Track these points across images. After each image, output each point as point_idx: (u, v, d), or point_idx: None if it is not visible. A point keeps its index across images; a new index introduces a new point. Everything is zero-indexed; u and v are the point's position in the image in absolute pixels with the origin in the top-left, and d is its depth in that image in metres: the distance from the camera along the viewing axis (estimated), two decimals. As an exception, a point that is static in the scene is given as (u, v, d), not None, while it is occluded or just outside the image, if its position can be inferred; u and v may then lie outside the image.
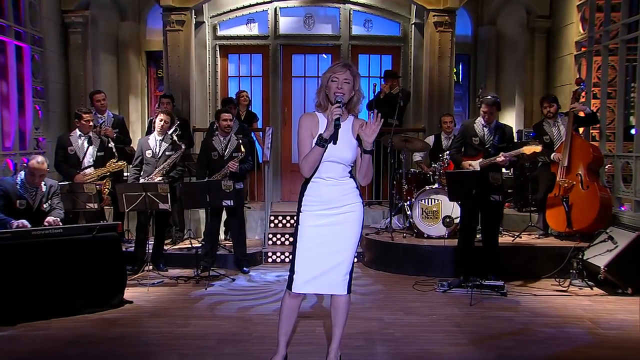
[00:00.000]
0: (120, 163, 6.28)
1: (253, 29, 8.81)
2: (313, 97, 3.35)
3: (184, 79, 8.08)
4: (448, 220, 6.25)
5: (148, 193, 5.60)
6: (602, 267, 5.37)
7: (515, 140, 6.62)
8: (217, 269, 6.10)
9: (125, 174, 6.86)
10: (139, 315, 4.75)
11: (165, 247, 6.48)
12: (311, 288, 3.24)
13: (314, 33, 8.79)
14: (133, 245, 6.29)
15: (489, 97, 5.67)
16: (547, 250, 6.11)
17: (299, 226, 3.27)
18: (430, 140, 7.42)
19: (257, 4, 8.68)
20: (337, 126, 3.06)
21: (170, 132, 6.25)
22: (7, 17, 6.62)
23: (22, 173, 5.15)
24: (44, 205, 5.17)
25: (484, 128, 5.69)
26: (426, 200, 6.53)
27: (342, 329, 3.36)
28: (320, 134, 3.11)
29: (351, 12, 8.73)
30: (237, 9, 8.71)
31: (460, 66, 9.14)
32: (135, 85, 8.82)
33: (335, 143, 3.12)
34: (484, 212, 5.58)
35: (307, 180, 3.26)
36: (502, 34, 8.88)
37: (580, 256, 5.64)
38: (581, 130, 6.61)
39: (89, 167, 6.17)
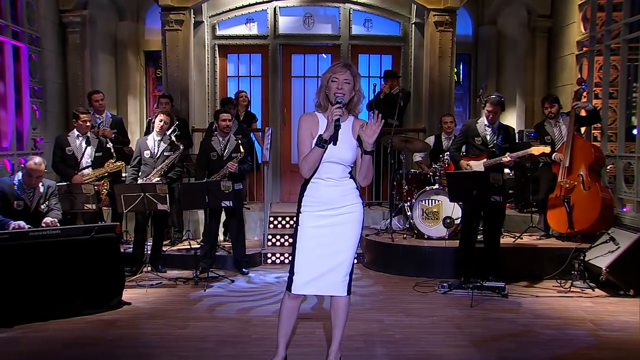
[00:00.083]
0: (119, 163, 6.26)
1: (252, 29, 8.79)
2: (313, 97, 3.33)
3: (183, 79, 8.06)
4: (448, 221, 6.23)
5: (146, 194, 5.58)
6: (603, 268, 5.35)
7: (517, 141, 6.59)
8: (216, 270, 6.08)
9: (123, 174, 6.84)
10: (137, 317, 4.73)
11: (164, 248, 6.45)
12: (311, 289, 3.24)
13: (313, 33, 8.77)
14: (131, 246, 6.26)
15: (494, 96, 5.65)
16: (548, 251, 6.08)
17: (298, 227, 3.26)
18: (431, 140, 7.40)
19: (257, 3, 8.65)
20: (337, 127, 3.05)
21: (168, 133, 6.22)
22: (5, 16, 6.59)
23: (20, 174, 5.13)
24: (42, 206, 5.15)
25: (487, 128, 5.66)
26: (426, 201, 6.50)
27: (342, 331, 3.35)
28: (320, 135, 3.09)
29: (351, 12, 8.71)
30: (236, 8, 8.69)
31: (461, 66, 9.14)
32: (133, 85, 8.80)
33: (335, 144, 3.10)
34: (485, 213, 5.55)
35: (307, 181, 3.25)
36: (502, 34, 8.87)
37: (581, 257, 5.62)
38: (583, 130, 6.58)
39: (87, 167, 6.16)
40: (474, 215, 5.59)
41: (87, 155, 6.17)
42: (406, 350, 3.97)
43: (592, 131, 7.12)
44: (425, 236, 6.47)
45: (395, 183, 7.15)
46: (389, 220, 6.86)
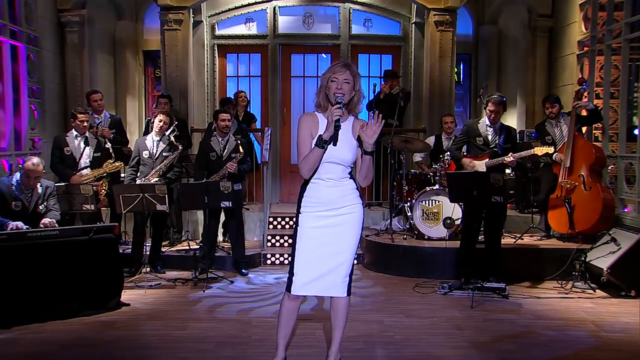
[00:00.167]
0: (117, 164, 6.23)
1: (252, 28, 8.77)
2: (312, 97, 3.32)
3: (182, 79, 8.03)
4: (449, 221, 6.21)
5: (145, 194, 5.56)
6: (605, 269, 5.33)
7: (518, 141, 6.57)
8: (215, 271, 6.06)
9: (122, 175, 6.82)
10: (136, 318, 4.71)
11: (163, 249, 6.43)
12: (311, 290, 3.23)
13: (313, 32, 8.76)
14: (130, 247, 6.24)
15: (496, 96, 5.64)
16: (549, 252, 6.06)
17: (298, 227, 3.25)
18: (431, 140, 7.38)
19: (256, 2, 8.63)
20: (337, 127, 3.03)
21: (167, 133, 6.20)
22: (2, 16, 6.57)
23: (18, 174, 5.12)
24: (40, 207, 5.15)
25: (489, 128, 5.64)
26: (427, 201, 6.48)
27: (341, 332, 3.35)
28: (320, 135, 3.08)
29: (351, 11, 8.69)
30: (236, 8, 8.68)
31: (461, 66, 9.12)
32: (132, 85, 8.77)
33: (335, 144, 3.09)
34: (486, 213, 5.53)
35: (307, 181, 3.24)
36: (503, 33, 8.86)
37: (582, 258, 5.60)
38: (584, 130, 6.56)
39: (86, 168, 6.13)
40: (475, 215, 5.57)
41: (86, 156, 6.15)
42: (406, 352, 3.96)
43: (593, 131, 7.10)
44: (426, 237, 6.45)
45: (395, 183, 7.13)
46: (389, 220, 6.84)
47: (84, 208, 5.69)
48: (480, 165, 5.59)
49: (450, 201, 5.86)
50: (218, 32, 8.74)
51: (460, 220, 6.17)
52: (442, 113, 7.60)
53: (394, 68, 8.71)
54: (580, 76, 6.98)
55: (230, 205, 5.76)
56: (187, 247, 6.74)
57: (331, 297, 3.28)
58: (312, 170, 3.17)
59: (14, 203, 5.00)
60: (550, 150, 5.73)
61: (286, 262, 6.63)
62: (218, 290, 5.62)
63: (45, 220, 4.98)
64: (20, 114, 6.90)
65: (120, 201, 5.56)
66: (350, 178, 3.25)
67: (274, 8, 8.66)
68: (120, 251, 5.64)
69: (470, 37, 8.99)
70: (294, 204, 3.49)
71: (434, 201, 6.46)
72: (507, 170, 6.51)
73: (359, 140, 3.15)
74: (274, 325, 3.40)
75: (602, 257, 5.49)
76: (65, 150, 6.13)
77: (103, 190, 6.04)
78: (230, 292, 5.55)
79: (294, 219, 3.31)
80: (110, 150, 6.29)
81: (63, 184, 5.83)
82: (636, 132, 6.78)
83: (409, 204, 6.69)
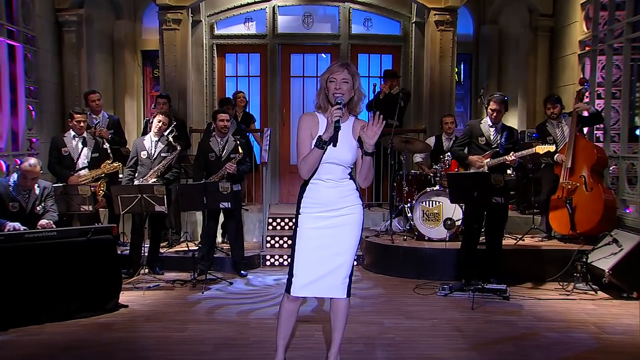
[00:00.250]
0: (116, 164, 6.21)
1: (251, 28, 8.74)
2: (312, 97, 3.32)
3: (181, 79, 8.01)
4: (449, 222, 6.18)
5: (144, 195, 5.54)
6: (606, 271, 5.30)
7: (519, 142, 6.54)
8: (214, 273, 6.05)
9: (120, 175, 6.78)
10: (134, 320, 4.70)
11: (162, 250, 6.40)
12: (310, 291, 3.22)
13: (313, 32, 8.73)
14: (128, 248, 6.21)
15: (498, 94, 5.62)
16: (550, 253, 6.04)
17: (297, 228, 3.24)
18: (431, 141, 7.35)
19: (255, 2, 8.61)
20: (337, 128, 3.02)
21: (166, 133, 6.17)
22: (0, 15, 6.52)
23: (15, 175, 5.10)
24: (38, 208, 5.13)
25: (491, 128, 5.61)
26: (427, 202, 6.46)
27: (341, 333, 3.34)
28: (320, 136, 3.06)
29: (351, 11, 8.67)
30: (235, 7, 8.65)
31: (462, 66, 9.11)
32: (130, 85, 8.74)
33: (335, 145, 3.07)
34: (487, 214, 5.51)
35: (306, 182, 3.23)
36: (504, 33, 8.85)
37: (584, 259, 5.57)
38: (585, 130, 6.54)
39: (84, 168, 6.11)
40: (476, 216, 5.55)
41: (84, 156, 6.13)
42: (406, 353, 3.95)
43: (595, 132, 7.09)
44: (426, 238, 6.43)
45: (395, 184, 7.11)
46: (389, 221, 6.82)
47: (81, 209, 5.67)
48: (483, 161, 5.58)
49: (451, 202, 5.83)
50: (217, 32, 8.72)
51: (460, 221, 6.15)
52: (443, 113, 7.58)
53: (394, 68, 8.69)
54: (581, 76, 6.96)
55: (229, 206, 5.74)
56: (186, 248, 6.71)
57: (331, 298, 3.28)
58: (311, 171, 3.15)
59: (11, 204, 4.97)
60: (552, 148, 5.69)
61: (285, 263, 6.60)
62: (217, 291, 5.60)
63: (43, 221, 4.96)
64: (18, 114, 6.86)
65: (118, 202, 5.54)
66: (350, 179, 3.24)
67: (273, 8, 8.63)
68: (119, 252, 5.60)
69: (471, 37, 8.98)
70: (293, 205, 3.48)
71: (434, 202, 6.44)
72: (509, 171, 6.48)
73: (360, 141, 3.13)
74: (274, 327, 3.39)
75: (604, 259, 5.46)
76: (62, 150, 6.10)
77: (101, 191, 6.02)
78: (229, 294, 5.54)
79: (294, 220, 3.29)
80: (109, 151, 6.26)
81: (61, 184, 5.81)
82: (638, 132, 6.77)
83: (409, 204, 6.67)
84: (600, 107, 6.95)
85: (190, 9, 8.06)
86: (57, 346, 4.09)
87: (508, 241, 6.32)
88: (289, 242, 6.76)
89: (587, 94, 6.57)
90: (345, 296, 3.23)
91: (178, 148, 6.15)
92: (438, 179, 6.56)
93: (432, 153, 7.27)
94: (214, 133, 6.26)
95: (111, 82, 8.67)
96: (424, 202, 6.46)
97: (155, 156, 6.06)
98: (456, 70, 8.40)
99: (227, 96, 8.18)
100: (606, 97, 6.94)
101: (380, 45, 8.82)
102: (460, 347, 4.08)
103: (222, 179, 5.95)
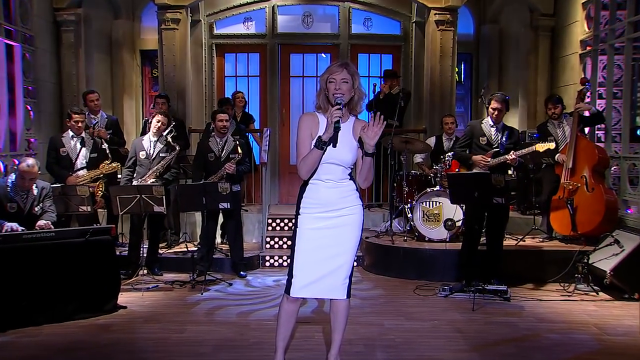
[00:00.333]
0: (114, 165, 6.19)
1: (250, 28, 8.73)
2: (311, 97, 3.30)
3: (180, 79, 7.99)
4: (450, 223, 6.16)
5: (143, 195, 5.52)
6: (608, 272, 5.28)
7: (521, 141, 6.52)
8: (213, 274, 6.04)
9: (119, 175, 6.75)
10: (133, 321, 4.69)
11: (161, 251, 6.38)
12: (310, 292, 3.22)
13: (312, 32, 8.72)
14: (127, 248, 6.19)
15: (499, 94, 5.61)
16: (551, 254, 6.02)
17: (297, 229, 3.23)
18: (432, 141, 7.33)
19: (255, 2, 8.59)
20: (337, 129, 3.01)
21: (165, 133, 6.15)
22: (-2, 15, 6.52)
23: (13, 175, 5.09)
24: (36, 209, 5.12)
25: (492, 128, 5.59)
26: (427, 202, 6.44)
27: (341, 335, 3.34)
28: (319, 136, 3.05)
29: (351, 11, 8.65)
30: (234, 7, 8.64)
31: (462, 66, 9.09)
32: (129, 85, 8.73)
33: (334, 146, 3.05)
34: (488, 215, 5.49)
35: (306, 182, 3.22)
36: (505, 33, 8.83)
37: (585, 260, 5.55)
38: (586, 130, 6.53)
39: (82, 168, 6.10)
40: (476, 217, 5.53)
41: (82, 157, 6.11)
42: (406, 355, 3.94)
43: (596, 132, 7.07)
44: (426, 238, 6.41)
45: (395, 184, 7.09)
46: (389, 222, 6.81)
47: (80, 209, 5.66)
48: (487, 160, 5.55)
49: (451, 202, 5.80)
50: (216, 32, 8.70)
51: (461, 221, 6.13)
52: (443, 113, 7.56)
53: (394, 68, 8.67)
54: (582, 76, 6.93)
55: (229, 207, 5.73)
56: (185, 249, 6.68)
57: (331, 299, 3.27)
58: (310, 172, 3.14)
59: (9, 205, 4.96)
60: (552, 146, 5.66)
61: (285, 264, 6.58)
62: (216, 292, 5.58)
63: (41, 222, 4.95)
64: (16, 114, 6.84)
65: (117, 202, 5.52)
66: (350, 179, 3.23)
67: (273, 7, 8.62)
68: (117, 253, 5.60)
69: (471, 36, 8.96)
70: (293, 205, 3.47)
71: (434, 202, 6.41)
72: (509, 171, 6.47)
73: (360, 141, 3.12)
74: (273, 328, 3.38)
75: (605, 259, 5.44)
76: (61, 151, 6.08)
77: (100, 192, 6.01)
78: (229, 295, 5.52)
79: (293, 221, 3.28)
80: (107, 151, 6.26)
81: (59, 185, 5.80)
82: (639, 132, 6.74)
83: (409, 205, 6.65)
84: (601, 107, 6.94)
85: (189, 9, 8.04)
86: (55, 347, 4.08)
87: (509, 242, 6.30)
88: (289, 242, 6.74)
89: (588, 93, 6.55)
90: (345, 297, 3.22)
91: (177, 148, 6.14)
92: (438, 179, 6.55)
93: (432, 153, 7.25)
94: (213, 133, 6.24)
95: (110, 82, 8.65)
96: (424, 203, 6.44)
97: (154, 156, 6.04)
98: (456, 70, 8.39)
99: (226, 96, 8.15)
100: (607, 97, 6.93)
101: (380, 45, 8.80)
102: (461, 349, 4.07)
103: (221, 179, 5.93)
